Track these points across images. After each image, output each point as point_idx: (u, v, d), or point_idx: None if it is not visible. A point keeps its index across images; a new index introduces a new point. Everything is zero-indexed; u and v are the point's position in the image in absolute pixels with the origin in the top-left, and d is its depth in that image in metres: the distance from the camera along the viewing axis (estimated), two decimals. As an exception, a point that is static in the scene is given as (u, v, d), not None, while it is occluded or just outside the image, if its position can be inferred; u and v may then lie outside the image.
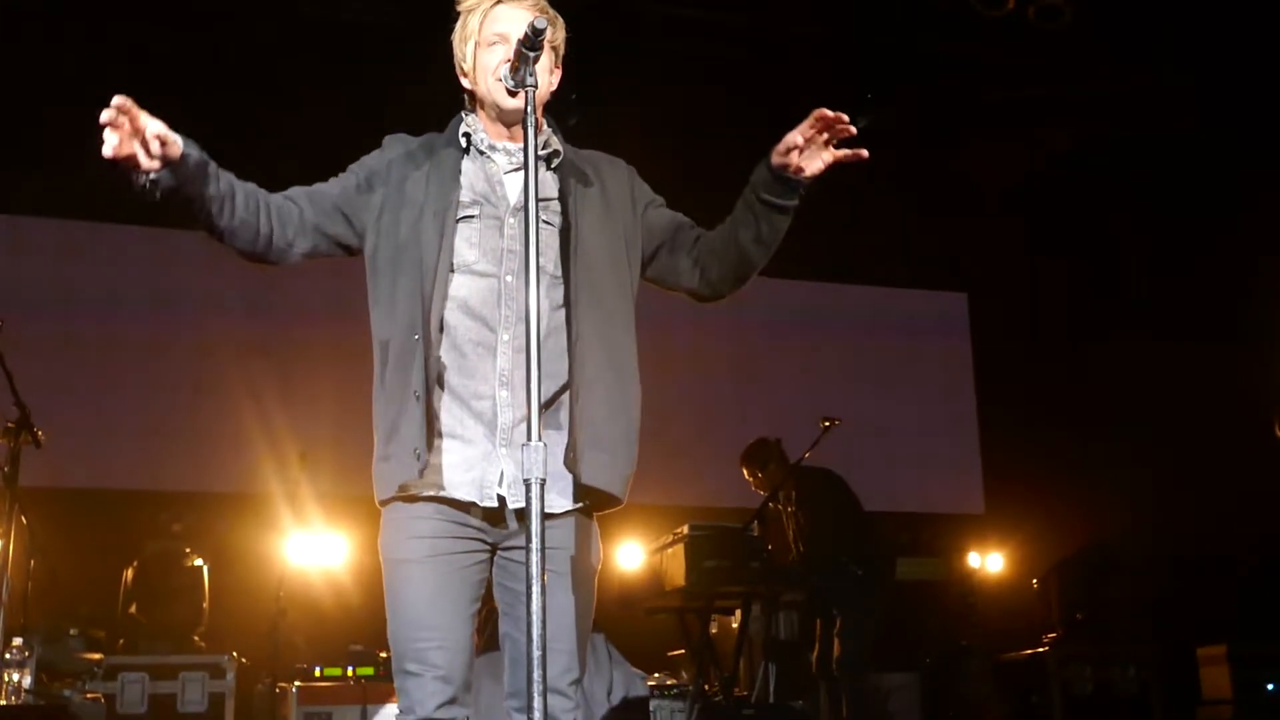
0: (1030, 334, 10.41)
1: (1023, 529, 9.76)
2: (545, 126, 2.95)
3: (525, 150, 2.59)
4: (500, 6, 2.95)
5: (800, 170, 2.81)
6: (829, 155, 2.80)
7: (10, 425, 6.13)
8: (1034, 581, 9.30)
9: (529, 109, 2.63)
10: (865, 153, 2.75)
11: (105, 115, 2.49)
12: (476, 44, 2.96)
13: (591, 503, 2.89)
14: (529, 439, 2.44)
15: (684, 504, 8.61)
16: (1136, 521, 9.27)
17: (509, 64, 2.75)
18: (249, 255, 2.89)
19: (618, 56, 8.21)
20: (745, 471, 7.73)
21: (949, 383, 10.81)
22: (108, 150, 2.52)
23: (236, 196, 2.78)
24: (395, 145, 3.01)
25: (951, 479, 10.56)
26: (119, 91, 2.50)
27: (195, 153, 2.66)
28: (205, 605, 7.66)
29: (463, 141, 2.96)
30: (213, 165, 2.72)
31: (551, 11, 2.98)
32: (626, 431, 2.89)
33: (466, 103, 3.06)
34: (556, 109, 3.06)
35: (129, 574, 7.65)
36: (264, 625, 7.21)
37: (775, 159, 2.82)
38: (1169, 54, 9.09)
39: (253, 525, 8.18)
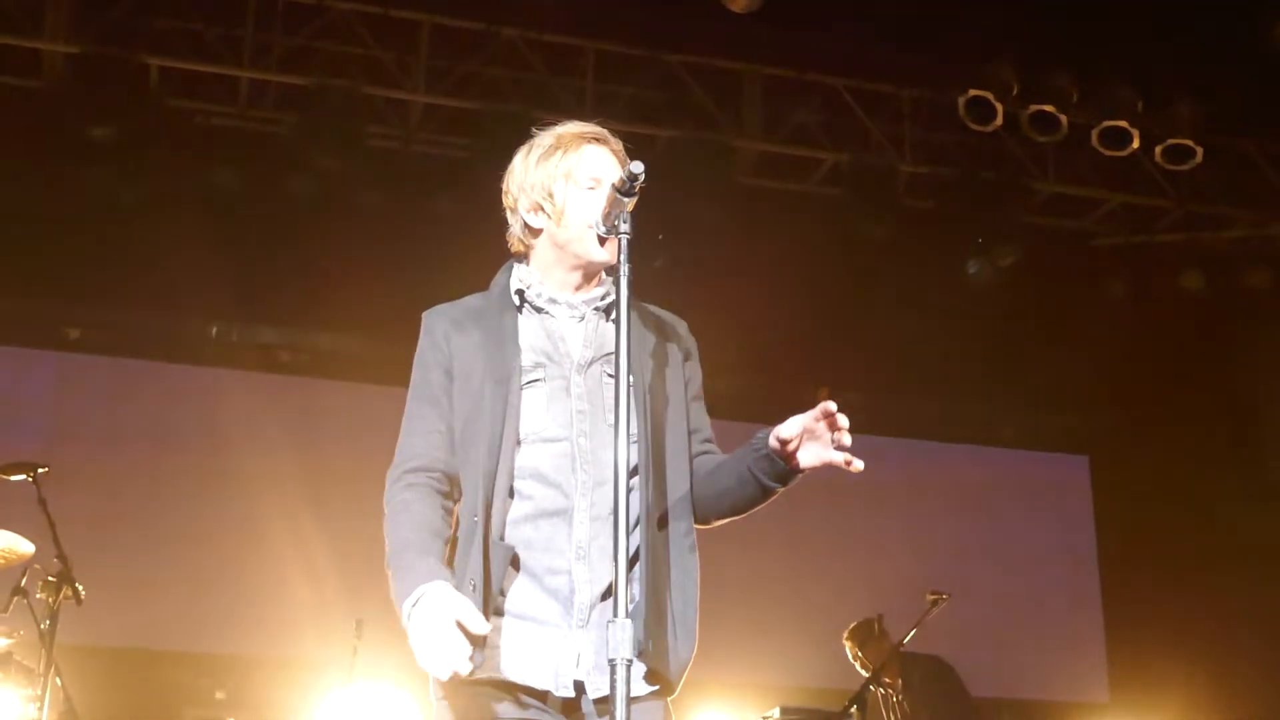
0: (1158, 500, 9.97)
1: (1153, 720, 9.48)
2: (605, 277, 2.89)
3: (619, 301, 2.55)
4: (591, 147, 2.85)
5: (795, 462, 2.67)
6: (827, 455, 2.64)
7: (51, 579, 5.90)
8: (1166, 781, 8.65)
9: (622, 258, 2.60)
10: (860, 465, 2.58)
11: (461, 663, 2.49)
12: (571, 182, 2.81)
13: (661, 688, 2.73)
14: (615, 614, 2.37)
15: (775, 683, 8.40)
16: (1281, 710, 8.89)
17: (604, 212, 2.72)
18: None
19: (710, 195, 8.24)
20: (848, 650, 7.36)
21: (1069, 554, 10.42)
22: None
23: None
24: (437, 321, 2.87)
25: (1072, 662, 10.18)
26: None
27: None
28: (247, 784, 7.32)
29: (516, 299, 2.85)
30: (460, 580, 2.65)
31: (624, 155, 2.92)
32: (684, 611, 2.73)
33: (519, 243, 2.91)
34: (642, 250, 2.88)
35: (166, 747, 7.30)
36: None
37: (774, 440, 2.67)
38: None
39: (301, 694, 7.83)
